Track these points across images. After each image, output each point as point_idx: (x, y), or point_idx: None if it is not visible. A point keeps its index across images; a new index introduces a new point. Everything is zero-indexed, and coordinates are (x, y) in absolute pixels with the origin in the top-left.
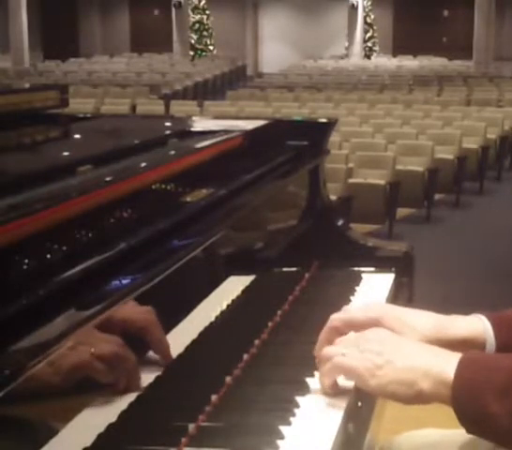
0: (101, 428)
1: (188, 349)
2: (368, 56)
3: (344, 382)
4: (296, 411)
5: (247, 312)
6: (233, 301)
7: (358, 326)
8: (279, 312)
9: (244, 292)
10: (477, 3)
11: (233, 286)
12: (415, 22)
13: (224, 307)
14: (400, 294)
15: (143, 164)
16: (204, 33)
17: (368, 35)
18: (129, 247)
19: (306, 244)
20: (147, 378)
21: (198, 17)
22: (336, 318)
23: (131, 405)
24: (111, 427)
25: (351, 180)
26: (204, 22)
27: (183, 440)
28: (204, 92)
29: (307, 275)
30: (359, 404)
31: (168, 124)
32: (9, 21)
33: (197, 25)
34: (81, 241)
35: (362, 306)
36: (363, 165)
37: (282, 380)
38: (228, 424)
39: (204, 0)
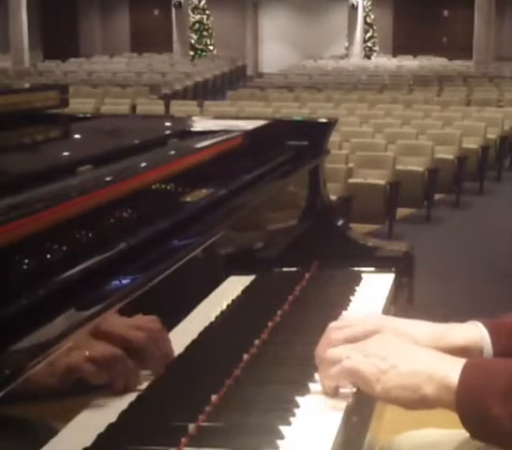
0: (101, 428)
1: (188, 349)
2: (368, 56)
3: (344, 384)
4: (296, 411)
5: (247, 312)
6: (233, 301)
7: (356, 340)
8: (279, 312)
9: (244, 292)
10: (477, 3)
11: (233, 286)
12: (415, 22)
13: (224, 307)
14: (400, 294)
15: (143, 164)
16: (204, 33)
17: (369, 35)
18: (129, 247)
19: (306, 244)
20: (147, 378)
21: (198, 17)
22: (336, 339)
23: (131, 405)
24: (111, 427)
25: (351, 180)
26: (204, 22)
27: (183, 440)
28: (204, 92)
29: (307, 275)
30: (359, 404)
31: (168, 124)
32: (9, 21)
33: (197, 25)
34: (81, 241)
35: (359, 318)
36: (363, 165)
37: (282, 380)
38: (228, 424)
39: (204, 0)
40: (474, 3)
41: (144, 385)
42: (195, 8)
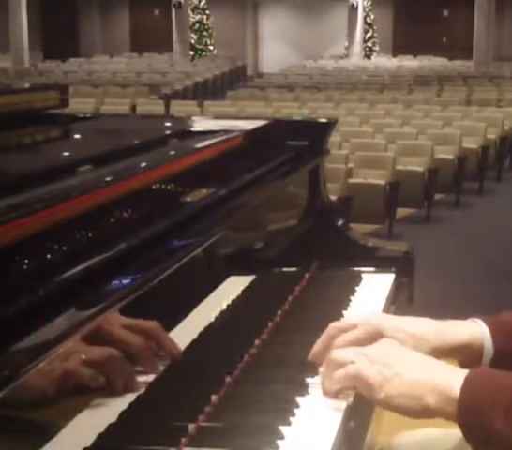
0: (101, 428)
1: (188, 349)
2: (368, 56)
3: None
4: (296, 411)
5: (247, 312)
6: (233, 301)
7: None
8: (279, 312)
9: (244, 292)
10: (477, 3)
11: (233, 286)
12: (415, 22)
13: (224, 307)
14: (400, 294)
15: (143, 164)
16: (204, 33)
17: (369, 35)
18: (129, 247)
19: (306, 244)
20: (147, 378)
21: (198, 17)
22: (338, 344)
23: (131, 405)
24: (111, 427)
25: (351, 180)
26: (204, 22)
27: (183, 440)
28: (204, 92)
29: (307, 275)
30: (359, 405)
31: (168, 124)
32: (9, 21)
33: (197, 25)
34: (81, 241)
35: (360, 318)
36: (363, 165)
37: (282, 380)
38: (228, 424)
39: (204, 0)
40: (474, 3)
41: (144, 385)
42: (195, 8)
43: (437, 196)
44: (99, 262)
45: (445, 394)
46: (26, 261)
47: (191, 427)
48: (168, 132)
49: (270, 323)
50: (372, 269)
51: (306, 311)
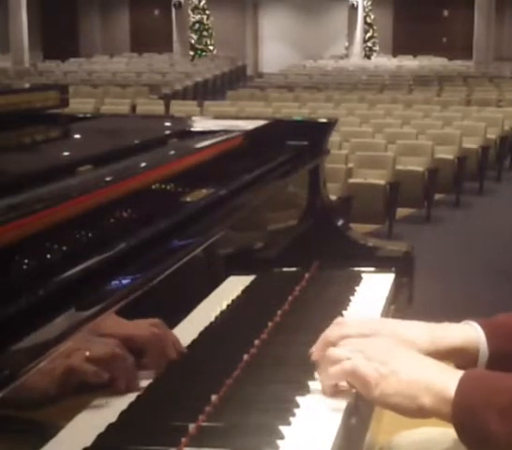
0: (101, 428)
1: (188, 349)
2: (368, 56)
3: (343, 383)
4: (296, 411)
5: (247, 312)
6: (233, 301)
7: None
8: (279, 312)
9: (244, 292)
10: (477, 3)
11: (233, 286)
12: (415, 22)
13: (224, 307)
14: (400, 294)
15: (143, 164)
16: (204, 33)
17: (369, 35)
18: (129, 247)
19: (306, 244)
20: (147, 378)
21: (198, 17)
22: (331, 335)
23: (131, 405)
24: (111, 427)
25: (351, 180)
26: (204, 22)
27: (183, 440)
28: (204, 92)
29: (307, 275)
30: (359, 404)
31: (168, 124)
32: (9, 21)
33: (197, 25)
34: (81, 241)
35: (356, 322)
36: (363, 165)
37: (282, 380)
38: (228, 424)
39: (204, 0)
40: (474, 3)
41: (144, 385)
42: (195, 8)
43: (437, 196)
44: (99, 262)
45: (441, 395)
46: (26, 261)
47: (191, 427)
48: (168, 132)
49: (270, 323)
50: (372, 269)
51: (306, 311)
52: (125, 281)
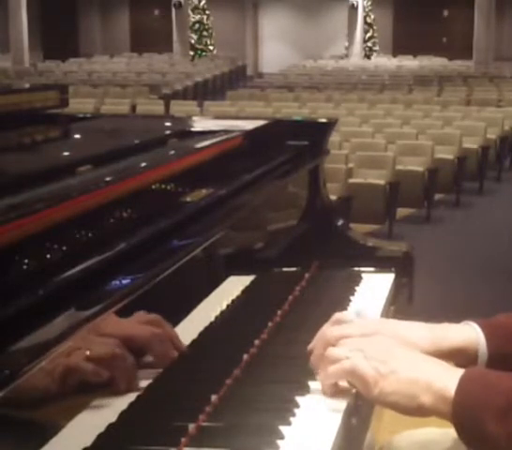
0: (101, 428)
1: (188, 349)
2: (368, 56)
3: (344, 383)
4: (296, 411)
5: (247, 312)
6: (233, 301)
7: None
8: (279, 312)
9: (244, 292)
10: (477, 3)
11: (233, 286)
12: (415, 22)
13: (224, 307)
14: (400, 294)
15: (143, 164)
16: (204, 33)
17: (368, 35)
18: (129, 247)
19: (306, 244)
20: (147, 378)
21: (198, 17)
22: (330, 335)
23: (131, 405)
24: (111, 427)
25: (351, 180)
26: (204, 22)
27: (183, 440)
28: (204, 92)
29: (307, 275)
30: (359, 404)
31: (168, 124)
32: (9, 21)
33: (197, 25)
34: (81, 241)
35: (356, 323)
36: (363, 165)
37: (282, 380)
38: (228, 424)
39: (204, 0)
40: (474, 3)
41: (144, 385)
42: (195, 8)
43: (437, 196)
44: (99, 262)
45: (440, 394)
46: (26, 261)
47: (191, 427)
48: (168, 132)
49: (270, 323)
50: (372, 269)
51: (306, 311)
52: (125, 281)
